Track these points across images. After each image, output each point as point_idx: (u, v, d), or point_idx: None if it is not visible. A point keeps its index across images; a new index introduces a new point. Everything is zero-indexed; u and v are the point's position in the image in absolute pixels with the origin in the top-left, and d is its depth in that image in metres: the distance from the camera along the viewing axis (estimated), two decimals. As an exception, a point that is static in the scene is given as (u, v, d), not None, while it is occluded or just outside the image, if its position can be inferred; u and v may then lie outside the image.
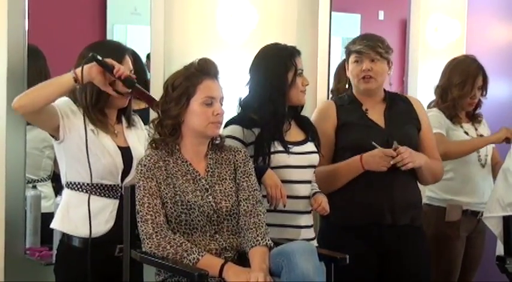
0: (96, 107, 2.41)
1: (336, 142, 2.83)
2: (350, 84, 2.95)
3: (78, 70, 2.30)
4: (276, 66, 2.61)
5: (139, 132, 2.56)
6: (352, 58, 2.87)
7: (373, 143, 2.72)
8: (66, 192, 2.47)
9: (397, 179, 2.78)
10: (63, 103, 2.40)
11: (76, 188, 2.43)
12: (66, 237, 2.45)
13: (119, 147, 2.45)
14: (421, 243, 2.89)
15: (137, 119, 2.60)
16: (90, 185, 2.39)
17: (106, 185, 2.42)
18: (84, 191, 2.41)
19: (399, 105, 2.92)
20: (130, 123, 2.53)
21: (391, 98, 2.93)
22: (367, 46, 2.81)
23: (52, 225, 2.48)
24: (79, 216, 2.39)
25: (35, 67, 2.90)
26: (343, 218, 2.76)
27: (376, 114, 2.87)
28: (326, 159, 2.79)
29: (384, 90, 2.95)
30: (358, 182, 2.76)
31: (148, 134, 2.42)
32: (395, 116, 2.88)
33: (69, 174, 2.44)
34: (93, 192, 2.40)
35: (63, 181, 2.47)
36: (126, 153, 2.46)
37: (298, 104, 2.68)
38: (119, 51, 2.47)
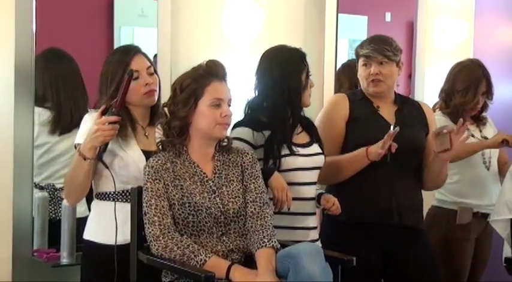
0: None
1: (346, 136, 2.84)
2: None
3: (83, 149, 2.30)
4: (292, 67, 2.61)
5: None
6: (360, 61, 2.89)
7: (394, 128, 2.68)
8: (95, 203, 2.48)
9: (402, 180, 2.80)
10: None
11: (103, 198, 2.44)
12: (96, 245, 2.44)
13: (146, 151, 2.43)
14: (426, 246, 2.90)
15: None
16: (115, 192, 2.40)
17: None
18: (111, 199, 2.41)
19: (410, 109, 2.94)
20: (156, 121, 2.50)
21: (402, 101, 2.95)
22: (375, 50, 2.83)
23: (85, 237, 2.48)
24: (109, 225, 2.37)
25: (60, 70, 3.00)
26: (349, 214, 2.74)
27: (388, 113, 2.88)
28: (334, 150, 2.79)
29: (395, 92, 2.95)
30: (366, 180, 2.77)
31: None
32: (406, 117, 2.88)
33: (99, 185, 2.44)
34: (119, 199, 2.41)
35: (94, 193, 2.48)
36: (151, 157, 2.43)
37: (305, 106, 2.68)
38: (129, 51, 2.47)
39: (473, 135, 3.39)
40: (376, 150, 2.67)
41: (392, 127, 2.70)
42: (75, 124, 2.89)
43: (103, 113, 2.32)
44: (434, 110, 3.44)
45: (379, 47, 2.83)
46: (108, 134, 2.29)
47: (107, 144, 2.33)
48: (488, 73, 3.40)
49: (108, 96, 2.39)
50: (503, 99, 3.83)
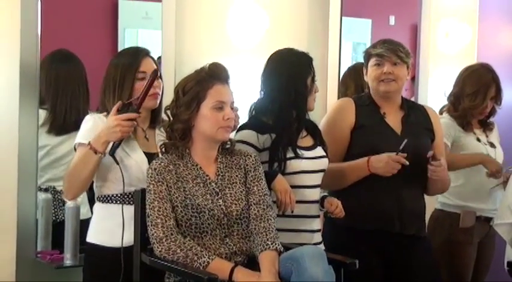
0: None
1: (350, 142, 2.83)
2: (368, 88, 2.93)
3: (95, 143, 2.31)
4: (299, 71, 2.61)
5: None
6: (372, 61, 2.85)
7: (404, 141, 2.70)
8: (98, 206, 2.48)
9: (407, 189, 2.80)
10: (94, 129, 2.38)
11: (106, 201, 2.44)
12: (99, 248, 2.45)
13: (147, 153, 2.45)
14: (427, 251, 2.89)
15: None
16: (118, 195, 2.41)
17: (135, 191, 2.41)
18: (115, 201, 2.42)
19: (417, 114, 2.92)
20: (157, 124, 2.52)
21: (409, 106, 2.93)
22: (389, 50, 2.81)
23: (88, 239, 2.49)
24: (112, 228, 2.39)
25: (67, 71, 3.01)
26: (351, 220, 2.72)
27: (394, 120, 2.87)
28: (337, 157, 2.78)
29: (402, 97, 2.94)
30: (369, 187, 2.76)
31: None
32: (412, 124, 2.87)
33: (102, 187, 2.45)
34: (124, 202, 2.41)
35: (96, 195, 2.49)
36: (153, 159, 2.42)
37: (310, 110, 2.68)
38: (138, 53, 2.49)
39: (479, 140, 3.40)
40: (383, 172, 2.69)
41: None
42: (71, 126, 2.90)
43: (119, 110, 2.33)
44: (441, 112, 3.44)
45: (393, 47, 2.82)
46: (126, 130, 2.31)
47: (120, 141, 2.34)
48: (498, 78, 3.40)
49: (117, 98, 2.39)
50: (506, 103, 3.82)
